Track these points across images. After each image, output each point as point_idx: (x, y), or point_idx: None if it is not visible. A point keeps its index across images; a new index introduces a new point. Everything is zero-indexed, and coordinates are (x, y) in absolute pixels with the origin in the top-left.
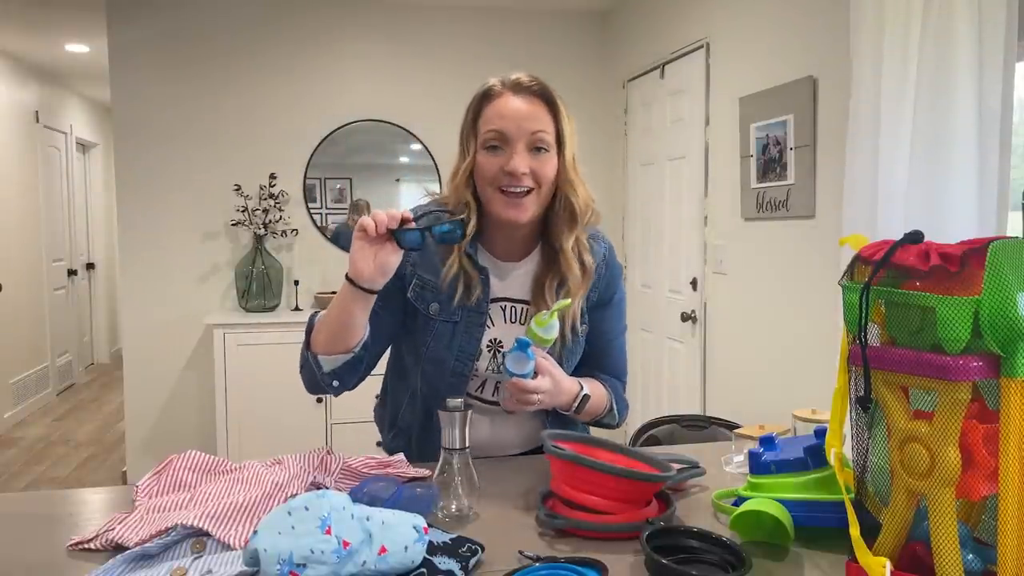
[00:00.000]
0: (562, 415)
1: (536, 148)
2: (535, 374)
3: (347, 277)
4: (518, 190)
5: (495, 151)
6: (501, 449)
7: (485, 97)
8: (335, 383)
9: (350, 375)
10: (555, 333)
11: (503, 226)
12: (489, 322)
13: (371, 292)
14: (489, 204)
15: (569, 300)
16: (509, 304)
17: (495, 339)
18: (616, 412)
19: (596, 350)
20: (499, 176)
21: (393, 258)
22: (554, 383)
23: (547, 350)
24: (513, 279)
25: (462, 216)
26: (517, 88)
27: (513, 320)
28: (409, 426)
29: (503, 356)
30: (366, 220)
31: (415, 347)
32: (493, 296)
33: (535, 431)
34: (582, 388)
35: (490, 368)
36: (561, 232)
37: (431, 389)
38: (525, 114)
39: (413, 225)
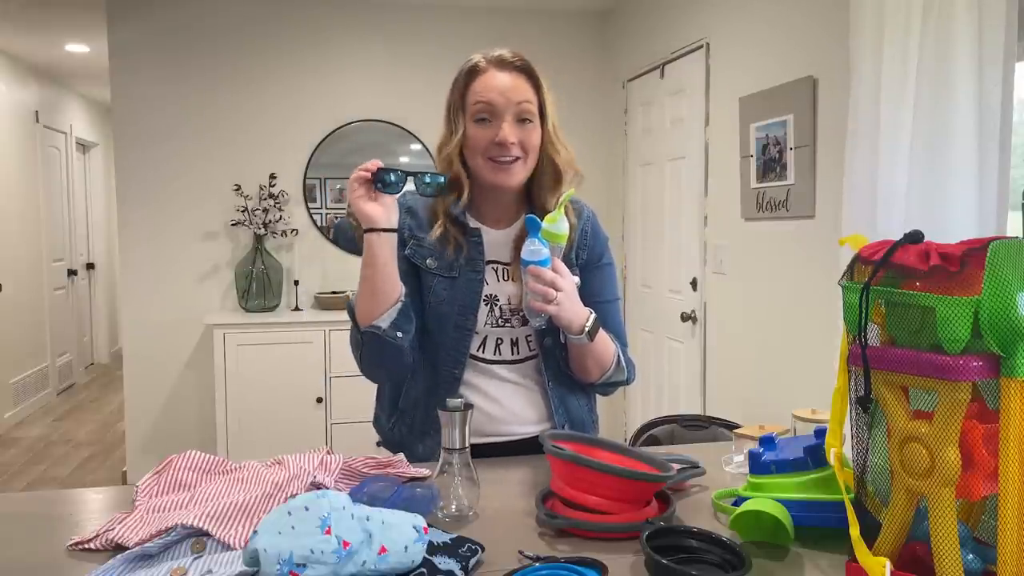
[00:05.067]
0: (566, 384)
1: (522, 119)
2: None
3: (366, 230)
4: (507, 159)
5: (484, 123)
6: (503, 418)
7: (471, 73)
8: (399, 334)
9: (407, 323)
10: (565, 228)
11: (492, 192)
12: (484, 279)
13: (392, 231)
14: (480, 172)
15: (573, 189)
16: (501, 266)
17: (491, 295)
18: (625, 367)
19: None
20: (489, 147)
21: (390, 198)
22: (571, 287)
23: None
24: (503, 244)
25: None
26: (501, 64)
27: (505, 279)
28: (413, 404)
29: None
30: (358, 173)
31: (419, 308)
32: (487, 258)
33: (536, 401)
34: (592, 312)
35: (488, 323)
36: (544, 191)
37: (436, 345)
38: (511, 87)
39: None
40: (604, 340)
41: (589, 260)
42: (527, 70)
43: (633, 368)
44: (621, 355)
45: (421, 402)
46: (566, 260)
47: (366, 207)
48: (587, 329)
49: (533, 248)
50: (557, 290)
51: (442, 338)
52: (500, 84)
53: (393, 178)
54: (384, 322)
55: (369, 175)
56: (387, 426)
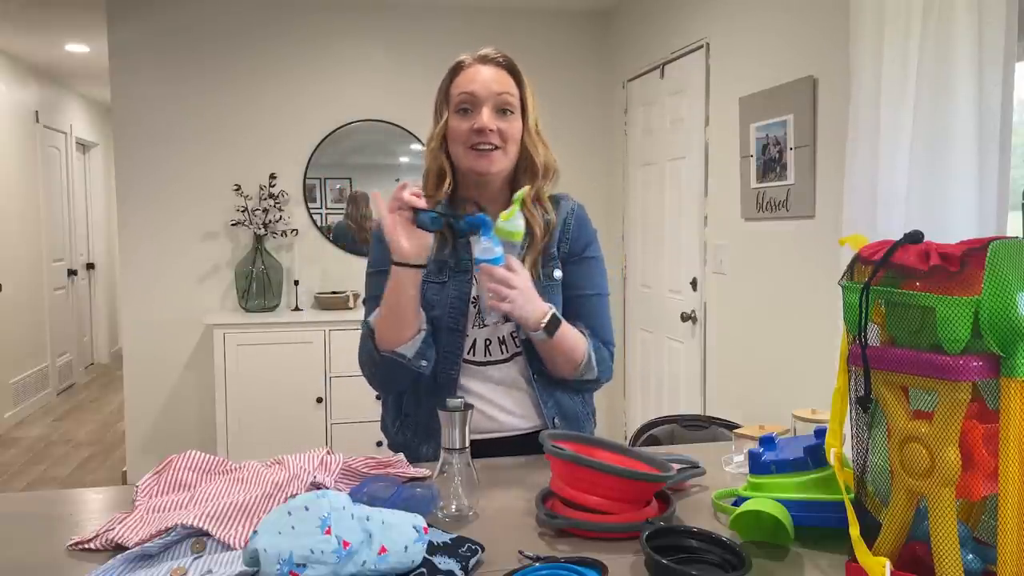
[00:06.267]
0: (548, 378)
1: (502, 110)
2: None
3: (395, 263)
4: (487, 146)
5: (466, 114)
6: (497, 417)
7: (456, 69)
8: (423, 363)
9: (430, 350)
10: (521, 225)
11: (474, 182)
12: (474, 278)
13: (421, 267)
14: (460, 161)
15: (528, 187)
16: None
17: (477, 296)
18: (594, 365)
19: (575, 309)
20: (470, 135)
21: (427, 236)
22: (526, 284)
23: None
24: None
25: (483, 211)
26: (485, 60)
27: None
28: (415, 409)
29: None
30: (406, 196)
31: None
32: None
33: (525, 399)
34: (551, 309)
35: (475, 324)
36: (522, 184)
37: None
38: (492, 79)
39: (423, 205)
40: (572, 337)
41: (572, 252)
42: (509, 66)
43: (608, 368)
44: (592, 353)
45: (424, 406)
46: (547, 253)
47: (403, 242)
48: (543, 325)
49: (485, 246)
50: (510, 288)
51: (437, 342)
52: (482, 77)
53: (431, 221)
54: (409, 351)
55: (410, 206)
56: (393, 430)
